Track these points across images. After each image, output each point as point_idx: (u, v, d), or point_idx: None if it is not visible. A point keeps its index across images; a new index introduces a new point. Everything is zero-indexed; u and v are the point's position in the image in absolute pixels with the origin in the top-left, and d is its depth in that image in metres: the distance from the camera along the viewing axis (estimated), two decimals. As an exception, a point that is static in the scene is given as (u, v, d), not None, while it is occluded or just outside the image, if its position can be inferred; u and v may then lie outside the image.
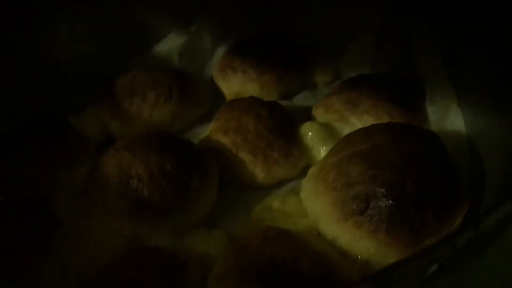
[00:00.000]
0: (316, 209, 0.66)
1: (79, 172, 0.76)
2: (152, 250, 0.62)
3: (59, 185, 0.74)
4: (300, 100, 0.96)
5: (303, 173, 0.76)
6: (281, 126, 0.79)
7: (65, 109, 0.88)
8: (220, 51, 1.07)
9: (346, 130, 0.79)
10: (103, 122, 0.88)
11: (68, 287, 0.61)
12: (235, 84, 0.96)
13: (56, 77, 0.91)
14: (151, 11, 1.03)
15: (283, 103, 0.90)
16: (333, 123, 0.82)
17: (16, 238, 0.63)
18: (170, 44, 1.05)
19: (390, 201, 0.59)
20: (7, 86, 0.85)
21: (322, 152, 0.78)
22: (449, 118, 0.78)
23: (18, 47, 0.86)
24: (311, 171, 0.73)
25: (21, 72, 0.86)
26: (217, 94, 1.00)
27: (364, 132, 0.69)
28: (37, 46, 0.89)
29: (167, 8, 1.03)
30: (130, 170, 0.67)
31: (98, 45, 0.96)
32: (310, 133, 0.80)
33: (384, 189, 0.60)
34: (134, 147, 0.70)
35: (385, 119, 0.77)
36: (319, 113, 0.85)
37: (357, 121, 0.80)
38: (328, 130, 0.81)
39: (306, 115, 0.87)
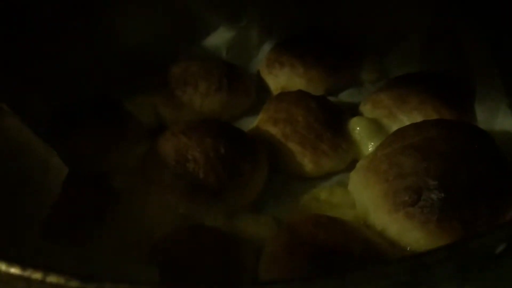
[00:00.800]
0: (366, 199, 0.68)
1: (133, 153, 0.79)
2: (206, 228, 0.64)
3: (115, 164, 0.77)
4: (346, 96, 0.97)
5: (350, 166, 0.77)
6: (330, 119, 0.81)
7: (120, 92, 0.91)
8: (266, 47, 1.09)
9: (394, 126, 0.80)
10: (155, 108, 0.91)
11: (123, 257, 0.63)
12: (282, 79, 0.98)
13: (116, 63, 0.94)
14: (203, 5, 1.05)
15: (329, 98, 0.91)
16: (381, 119, 0.83)
17: (75, 209, 0.66)
18: (219, 38, 1.08)
19: (443, 194, 0.60)
20: (67, 69, 0.89)
21: (370, 147, 0.79)
22: (498, 119, 0.78)
23: (79, 31, 0.90)
24: (361, 163, 0.74)
25: (85, 55, 0.90)
26: (263, 88, 1.02)
27: (415, 126, 0.70)
28: (101, 33, 0.93)
29: (219, 2, 1.06)
30: (187, 153, 0.70)
31: (153, 35, 1.00)
32: (358, 128, 0.81)
33: (436, 182, 0.61)
34: (190, 131, 0.73)
35: (433, 117, 0.78)
36: (367, 109, 0.86)
37: (405, 118, 0.81)
38: (376, 125, 0.82)
39: (352, 111, 0.88)
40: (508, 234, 0.36)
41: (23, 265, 0.37)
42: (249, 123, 0.89)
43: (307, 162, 0.77)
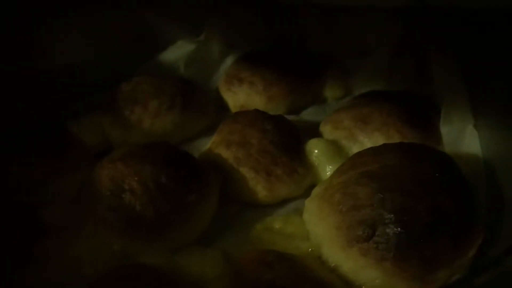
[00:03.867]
0: (319, 232, 0.62)
1: (74, 180, 0.73)
2: (143, 268, 0.58)
3: (52, 192, 0.71)
4: (308, 115, 0.93)
5: (307, 192, 0.72)
6: (286, 142, 0.75)
7: (66, 114, 0.85)
8: (227, 62, 1.05)
9: (354, 148, 0.76)
10: (102, 130, 0.85)
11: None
12: (240, 96, 0.93)
13: (59, 81, 0.88)
14: (160, 17, 1.01)
15: (290, 117, 0.87)
16: (341, 140, 0.78)
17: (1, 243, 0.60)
18: (177, 52, 1.03)
19: (399, 228, 0.54)
20: (7, 89, 0.82)
21: (328, 171, 0.74)
22: (465, 140, 0.73)
23: (19, 49, 0.83)
24: (316, 190, 0.68)
25: (22, 74, 0.83)
26: (222, 106, 0.97)
27: (374, 151, 0.65)
28: (39, 48, 0.86)
29: (177, 14, 1.01)
30: (123, 182, 0.63)
31: (103, 50, 0.94)
32: (316, 151, 0.76)
33: (393, 215, 0.55)
34: (129, 158, 0.66)
35: (396, 139, 0.74)
36: (327, 129, 0.81)
37: (366, 140, 0.76)
38: (335, 148, 0.77)
39: (314, 130, 0.84)
40: None
41: None
42: (205, 145, 0.83)
43: (260, 189, 0.71)
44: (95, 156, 0.80)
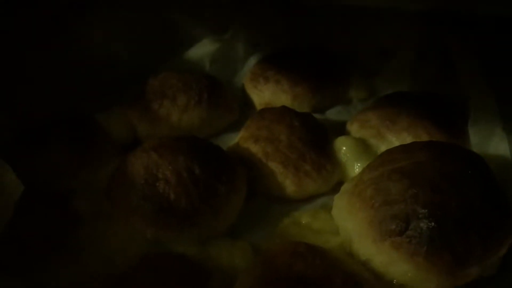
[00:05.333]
0: (350, 227, 0.62)
1: (103, 172, 0.74)
2: (174, 257, 0.59)
3: (82, 183, 0.72)
4: (332, 114, 0.93)
5: (334, 189, 0.73)
6: (314, 138, 0.76)
7: (95, 108, 0.86)
8: (252, 61, 1.05)
9: (382, 147, 0.76)
10: (130, 123, 0.86)
11: (86, 288, 0.57)
12: (266, 94, 0.94)
13: (89, 76, 0.89)
14: (187, 16, 1.01)
15: (315, 116, 0.87)
16: (368, 139, 0.79)
17: (33, 233, 0.61)
18: (203, 50, 1.04)
19: (433, 223, 0.55)
20: (40, 82, 0.83)
21: (356, 168, 0.74)
22: (492, 142, 0.74)
23: (52, 43, 0.84)
24: (345, 187, 0.69)
25: (55, 69, 0.84)
26: (247, 103, 0.98)
27: (404, 149, 0.66)
28: (72, 44, 0.87)
29: (203, 13, 1.02)
30: (157, 171, 0.64)
31: (132, 47, 0.95)
32: (344, 148, 0.76)
33: (426, 210, 0.56)
34: (162, 148, 0.67)
35: (424, 138, 0.74)
36: (354, 128, 0.82)
37: (394, 139, 0.76)
38: (363, 146, 0.77)
39: (339, 129, 0.84)
40: None
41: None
42: (231, 140, 0.84)
43: (288, 184, 0.72)
44: (123, 149, 0.81)
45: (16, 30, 0.79)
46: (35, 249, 0.59)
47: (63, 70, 0.86)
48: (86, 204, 0.66)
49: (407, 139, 0.75)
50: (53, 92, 0.84)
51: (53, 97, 0.83)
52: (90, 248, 0.61)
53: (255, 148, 0.75)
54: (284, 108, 0.82)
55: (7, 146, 0.74)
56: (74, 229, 0.62)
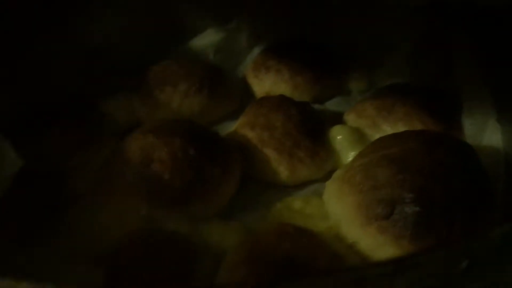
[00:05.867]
0: (338, 211, 0.64)
1: (101, 154, 0.75)
2: (165, 233, 0.61)
3: (81, 163, 0.74)
4: (332, 105, 0.94)
5: (328, 176, 0.73)
6: (310, 126, 0.77)
7: (100, 94, 0.88)
8: (255, 52, 1.06)
9: (377, 136, 0.76)
10: (132, 108, 0.88)
11: (78, 262, 0.59)
12: (267, 83, 0.95)
13: (93, 64, 0.91)
14: (191, 5, 1.03)
15: (315, 106, 0.88)
16: (364, 128, 0.80)
17: (29, 211, 0.63)
18: (206, 40, 1.05)
19: (418, 208, 0.56)
20: (44, 67, 0.85)
21: (350, 157, 0.75)
22: (486, 133, 0.74)
23: (56, 30, 0.86)
24: (337, 173, 0.70)
25: (58, 55, 0.86)
26: (248, 93, 0.99)
27: (395, 136, 0.67)
28: (76, 30, 0.89)
29: (208, 3, 1.03)
30: (153, 153, 0.66)
31: (137, 34, 0.97)
32: (339, 137, 0.77)
33: (411, 195, 0.57)
34: (159, 130, 0.69)
35: (419, 128, 0.75)
36: (350, 118, 0.83)
37: (389, 129, 0.77)
38: (358, 135, 0.78)
39: (337, 120, 0.85)
40: (470, 250, 0.32)
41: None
42: (230, 128, 0.85)
43: (282, 170, 0.73)
44: (124, 133, 0.83)
45: (24, 16, 0.82)
46: (31, 224, 0.61)
47: (68, 57, 0.88)
48: (83, 182, 0.68)
49: (401, 129, 0.75)
50: (60, 77, 0.86)
51: (60, 82, 0.86)
52: (86, 223, 0.62)
53: (251, 134, 0.77)
54: (282, 96, 0.83)
55: (11, 127, 0.77)
56: (70, 205, 0.64)
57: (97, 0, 0.90)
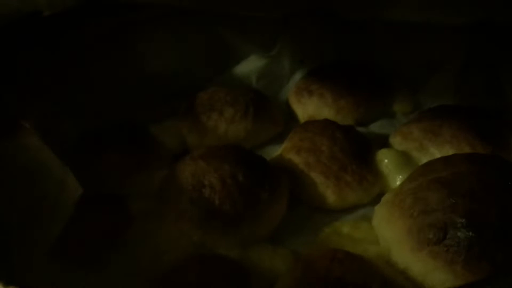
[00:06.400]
0: (389, 235, 0.64)
1: (155, 177, 0.78)
2: (217, 258, 0.62)
3: (136, 187, 0.77)
4: (376, 127, 0.94)
5: (376, 200, 0.73)
6: (356, 150, 0.78)
7: (149, 119, 0.92)
8: (297, 76, 1.08)
9: (424, 159, 0.76)
10: (181, 133, 0.91)
11: (133, 285, 0.61)
12: (310, 108, 0.96)
13: (144, 89, 0.96)
14: (235, 33, 1.07)
15: (359, 129, 0.88)
16: (411, 151, 0.79)
17: (90, 231, 0.66)
18: (250, 66, 1.08)
19: (470, 232, 0.55)
20: (98, 93, 0.91)
21: (397, 180, 0.75)
22: (537, 155, 0.73)
23: (110, 57, 0.92)
24: (386, 197, 0.70)
25: (111, 80, 0.92)
26: (292, 117, 1.01)
27: (444, 160, 0.66)
28: (127, 58, 0.95)
29: (251, 30, 1.07)
30: (204, 178, 0.68)
31: (185, 62, 1.01)
32: (386, 160, 0.77)
33: (464, 219, 0.56)
34: (209, 156, 0.71)
35: (466, 151, 0.74)
36: (396, 141, 0.83)
37: (436, 151, 0.77)
38: (405, 158, 0.78)
39: (382, 143, 0.85)
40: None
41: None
42: (275, 151, 0.87)
43: (329, 194, 0.74)
44: (173, 158, 0.86)
45: (81, 45, 0.87)
46: (90, 245, 0.64)
47: (121, 84, 0.94)
48: (139, 206, 0.71)
49: (449, 151, 0.75)
50: (113, 102, 0.91)
51: (113, 107, 0.91)
52: (141, 246, 0.65)
53: (297, 159, 0.78)
54: (326, 120, 0.84)
55: (69, 151, 0.81)
56: (127, 228, 0.67)
57: (150, 31, 0.95)
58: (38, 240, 0.57)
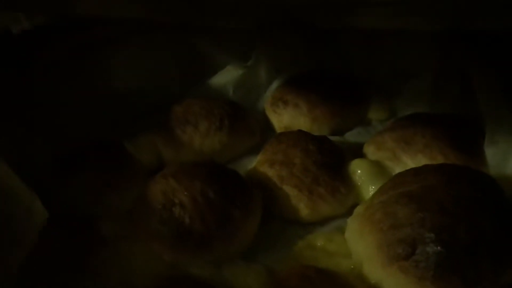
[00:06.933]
0: (361, 250, 0.63)
1: (128, 195, 0.77)
2: (189, 280, 0.62)
3: (107, 206, 0.76)
4: (352, 136, 0.94)
5: (350, 211, 0.73)
6: (329, 162, 0.77)
7: (122, 135, 0.90)
8: (274, 86, 1.08)
9: (397, 169, 0.77)
10: (156, 148, 0.90)
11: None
12: (285, 118, 0.96)
13: (116, 105, 0.95)
14: (211, 44, 1.06)
15: (334, 138, 0.88)
16: (384, 161, 0.79)
17: (59, 254, 0.65)
18: (226, 76, 1.07)
19: (439, 247, 0.55)
20: (70, 110, 0.89)
21: (371, 191, 0.75)
22: (510, 162, 0.73)
23: (80, 75, 0.91)
24: (358, 209, 0.70)
25: (82, 98, 0.91)
26: (269, 127, 1.00)
27: (414, 172, 0.66)
28: (99, 74, 0.94)
29: (227, 41, 1.06)
30: (174, 197, 0.67)
31: (158, 75, 1.01)
32: (359, 171, 0.77)
33: (433, 234, 0.56)
34: (180, 174, 0.70)
35: (439, 160, 0.74)
36: (370, 150, 0.83)
37: (409, 161, 0.77)
38: (378, 168, 0.78)
39: (358, 151, 0.85)
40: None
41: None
42: (252, 163, 0.87)
43: (303, 207, 0.74)
44: (149, 173, 0.85)
45: (50, 63, 0.86)
46: (60, 269, 0.63)
47: (93, 100, 0.92)
48: (110, 227, 0.70)
49: (422, 160, 0.75)
50: (85, 121, 0.90)
51: (85, 126, 0.89)
52: (111, 269, 0.64)
53: (270, 172, 0.77)
54: (300, 132, 0.84)
55: (40, 172, 0.80)
56: (96, 250, 0.66)
57: (120, 44, 0.94)
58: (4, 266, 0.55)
